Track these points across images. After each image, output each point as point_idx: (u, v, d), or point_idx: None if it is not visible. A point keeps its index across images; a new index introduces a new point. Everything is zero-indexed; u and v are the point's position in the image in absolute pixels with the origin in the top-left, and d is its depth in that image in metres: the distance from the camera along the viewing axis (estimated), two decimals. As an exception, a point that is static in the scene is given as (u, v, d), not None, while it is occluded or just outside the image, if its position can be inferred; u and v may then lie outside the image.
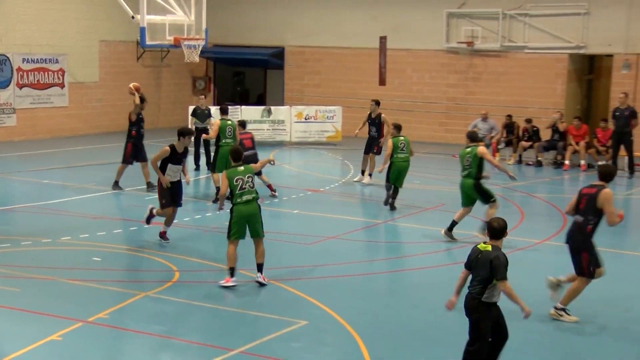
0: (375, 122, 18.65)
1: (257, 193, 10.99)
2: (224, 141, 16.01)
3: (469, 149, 13.47)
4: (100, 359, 8.57)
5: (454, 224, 13.55)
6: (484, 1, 25.33)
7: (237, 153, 11.22)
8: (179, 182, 13.01)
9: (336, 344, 9.08)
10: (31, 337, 8.88)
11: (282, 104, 27.89)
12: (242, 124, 17.13)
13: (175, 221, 13.66)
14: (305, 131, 25.40)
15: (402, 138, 15.97)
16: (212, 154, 16.85)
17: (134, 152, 17.03)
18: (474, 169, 13.34)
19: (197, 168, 20.03)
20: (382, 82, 26.88)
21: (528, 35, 24.97)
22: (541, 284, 10.38)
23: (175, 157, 12.74)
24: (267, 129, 25.19)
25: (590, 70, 25.97)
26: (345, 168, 21.39)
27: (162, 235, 13.09)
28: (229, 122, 16.34)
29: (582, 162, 21.39)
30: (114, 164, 17.88)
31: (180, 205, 13.18)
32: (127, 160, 17.07)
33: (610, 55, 24.29)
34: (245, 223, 10.87)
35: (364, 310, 10.20)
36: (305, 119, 25.34)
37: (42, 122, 25.34)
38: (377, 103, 18.96)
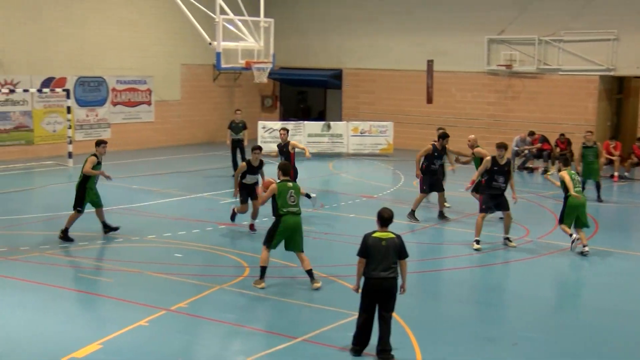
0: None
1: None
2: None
3: None
4: (180, 343, 8.67)
5: None
6: (522, 28, 24.94)
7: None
8: (254, 184, 13.75)
9: (388, 334, 9.00)
10: (122, 322, 9.04)
11: (340, 119, 27.89)
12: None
13: (244, 222, 13.76)
14: (360, 144, 25.36)
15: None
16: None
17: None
18: None
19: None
20: (429, 100, 26.74)
21: (562, 58, 24.50)
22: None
23: (251, 168, 13.56)
24: (327, 142, 25.25)
25: (619, 90, 25.34)
26: (396, 177, 21.26)
27: (251, 227, 13.84)
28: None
29: (616, 173, 20.96)
30: (192, 172, 18.08)
31: (256, 198, 13.64)
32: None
33: (638, 77, 23.67)
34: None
35: (413, 304, 10.10)
36: (361, 133, 25.30)
37: (132, 135, 25.83)
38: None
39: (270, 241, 10.55)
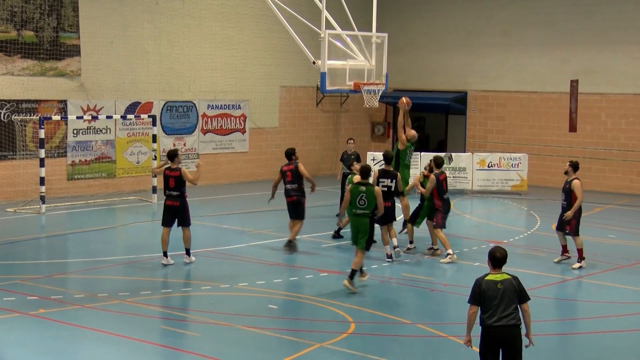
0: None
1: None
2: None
3: None
4: (274, 409, 8.78)
5: None
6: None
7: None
8: None
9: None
10: (209, 383, 9.27)
11: (463, 150, 27.73)
12: None
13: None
14: (487, 179, 25.07)
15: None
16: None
17: None
18: None
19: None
20: (572, 128, 26.20)
21: None
22: None
23: None
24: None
25: None
26: (531, 219, 20.85)
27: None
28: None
29: None
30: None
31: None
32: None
33: None
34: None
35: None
36: (489, 166, 25.02)
37: (222, 167, 26.57)
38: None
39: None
